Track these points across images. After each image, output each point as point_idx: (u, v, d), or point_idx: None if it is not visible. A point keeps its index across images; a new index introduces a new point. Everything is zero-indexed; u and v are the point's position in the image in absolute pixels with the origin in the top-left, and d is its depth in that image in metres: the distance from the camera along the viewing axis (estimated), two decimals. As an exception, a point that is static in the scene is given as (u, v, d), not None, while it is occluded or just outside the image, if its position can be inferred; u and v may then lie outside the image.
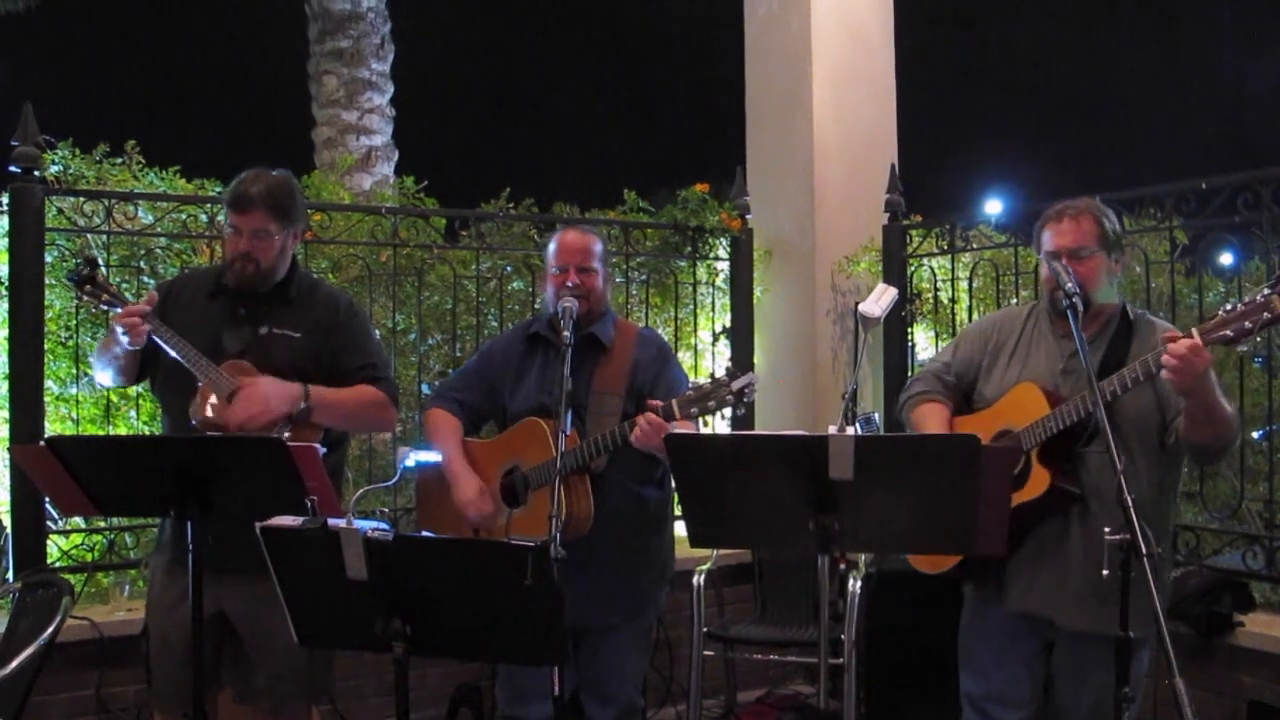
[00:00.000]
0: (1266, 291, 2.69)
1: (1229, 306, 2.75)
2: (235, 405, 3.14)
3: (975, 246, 5.47)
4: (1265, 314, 2.68)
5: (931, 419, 3.33)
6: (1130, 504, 2.58)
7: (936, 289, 5.62)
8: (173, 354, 3.16)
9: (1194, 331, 2.76)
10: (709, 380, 3.12)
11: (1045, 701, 3.26)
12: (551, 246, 3.54)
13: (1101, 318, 3.19)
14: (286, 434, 3.21)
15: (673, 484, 3.52)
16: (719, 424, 5.66)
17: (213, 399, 3.18)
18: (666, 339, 5.58)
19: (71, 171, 4.44)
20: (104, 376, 3.43)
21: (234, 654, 3.29)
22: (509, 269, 5.33)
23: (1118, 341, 3.15)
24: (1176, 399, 2.99)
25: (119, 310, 3.15)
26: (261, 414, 3.14)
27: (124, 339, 3.12)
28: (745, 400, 3.07)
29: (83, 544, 4.35)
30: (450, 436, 3.56)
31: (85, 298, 3.33)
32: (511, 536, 3.23)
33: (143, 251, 4.59)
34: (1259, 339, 2.79)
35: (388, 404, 3.43)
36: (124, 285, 4.41)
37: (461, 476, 3.48)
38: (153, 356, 3.27)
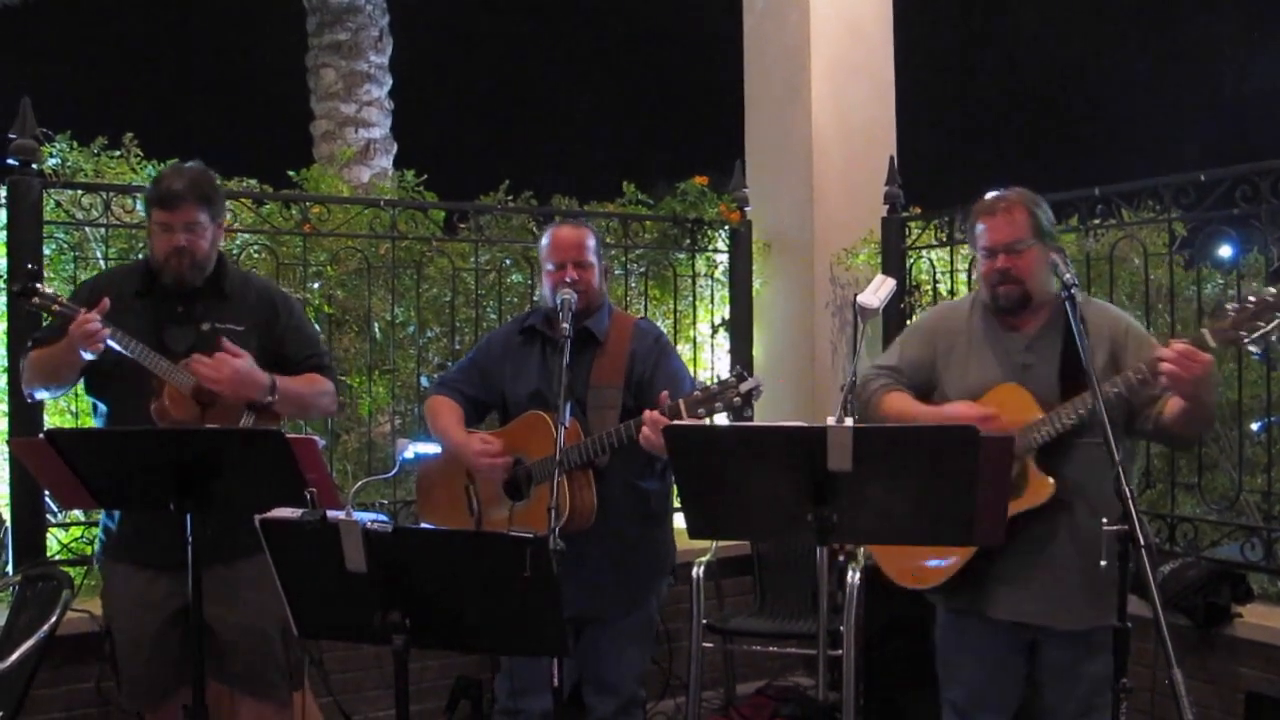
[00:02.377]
0: (1275, 290, 2.67)
1: (1235, 305, 2.71)
2: (208, 359, 3.17)
3: (974, 238, 5.47)
4: (1278, 312, 2.66)
5: (905, 401, 3.28)
6: (1130, 495, 2.58)
7: (935, 281, 5.62)
8: (131, 356, 3.12)
9: (1205, 333, 2.73)
10: (717, 382, 3.13)
11: (1028, 701, 3.21)
12: (545, 242, 3.54)
13: (1046, 311, 3.15)
14: (250, 423, 3.27)
15: (672, 476, 3.53)
16: (718, 415, 5.66)
17: (167, 400, 3.18)
18: (666, 331, 5.60)
19: (69, 164, 4.45)
20: (43, 392, 3.34)
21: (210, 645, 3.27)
22: (508, 261, 5.33)
23: (1071, 338, 3.04)
24: (1150, 388, 2.97)
25: (74, 319, 3.06)
26: (226, 381, 3.18)
27: (83, 348, 3.06)
28: (753, 402, 3.08)
29: (82, 537, 4.35)
30: (450, 418, 3.57)
31: (35, 310, 3.22)
32: (512, 529, 3.24)
33: (141, 244, 4.58)
34: (1274, 339, 2.76)
35: (334, 391, 3.54)
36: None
37: (461, 439, 3.48)
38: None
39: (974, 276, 5.27)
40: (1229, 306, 2.76)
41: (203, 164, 3.42)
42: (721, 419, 5.60)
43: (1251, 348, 2.78)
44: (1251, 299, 2.72)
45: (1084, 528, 3.01)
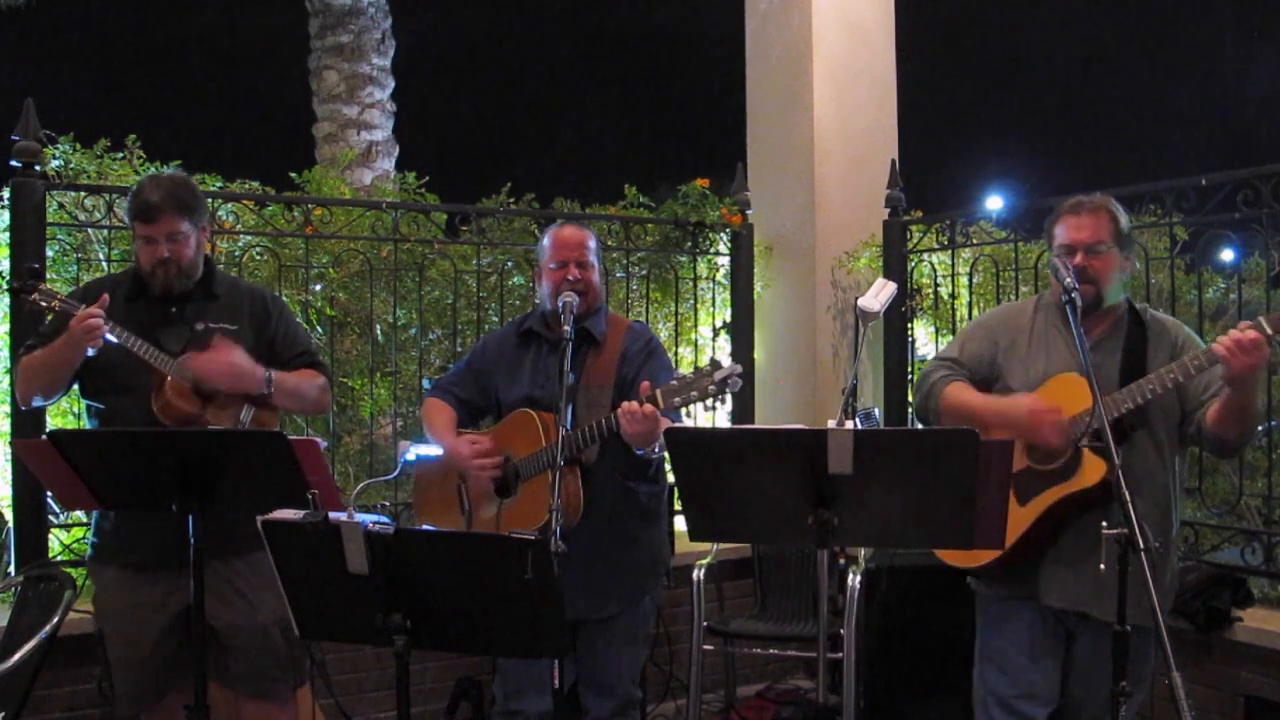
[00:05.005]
0: None
1: None
2: (205, 352, 3.20)
3: (976, 242, 5.48)
4: None
5: (965, 392, 3.27)
6: (1129, 500, 2.58)
7: (937, 284, 5.62)
8: (131, 350, 3.14)
9: (1263, 320, 2.76)
10: (693, 370, 3.11)
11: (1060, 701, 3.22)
12: (546, 241, 3.55)
13: (1112, 315, 3.19)
14: (250, 418, 3.30)
15: (668, 477, 3.53)
16: (720, 418, 5.68)
17: (170, 394, 3.20)
18: (667, 334, 5.61)
19: (72, 166, 4.45)
20: (38, 399, 3.34)
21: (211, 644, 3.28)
22: (510, 264, 5.34)
23: (1133, 340, 3.13)
24: (1198, 392, 3.00)
25: (74, 317, 3.07)
26: (224, 373, 3.21)
27: (85, 343, 3.07)
28: (728, 391, 3.07)
29: (84, 538, 4.35)
30: (443, 420, 3.59)
31: (38, 306, 3.21)
32: (512, 531, 3.24)
33: (144, 246, 4.59)
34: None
35: (328, 387, 3.59)
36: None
37: (452, 441, 3.50)
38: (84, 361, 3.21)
39: (976, 280, 5.29)
40: None
41: (182, 170, 3.44)
42: (722, 416, 5.63)
43: None
44: None
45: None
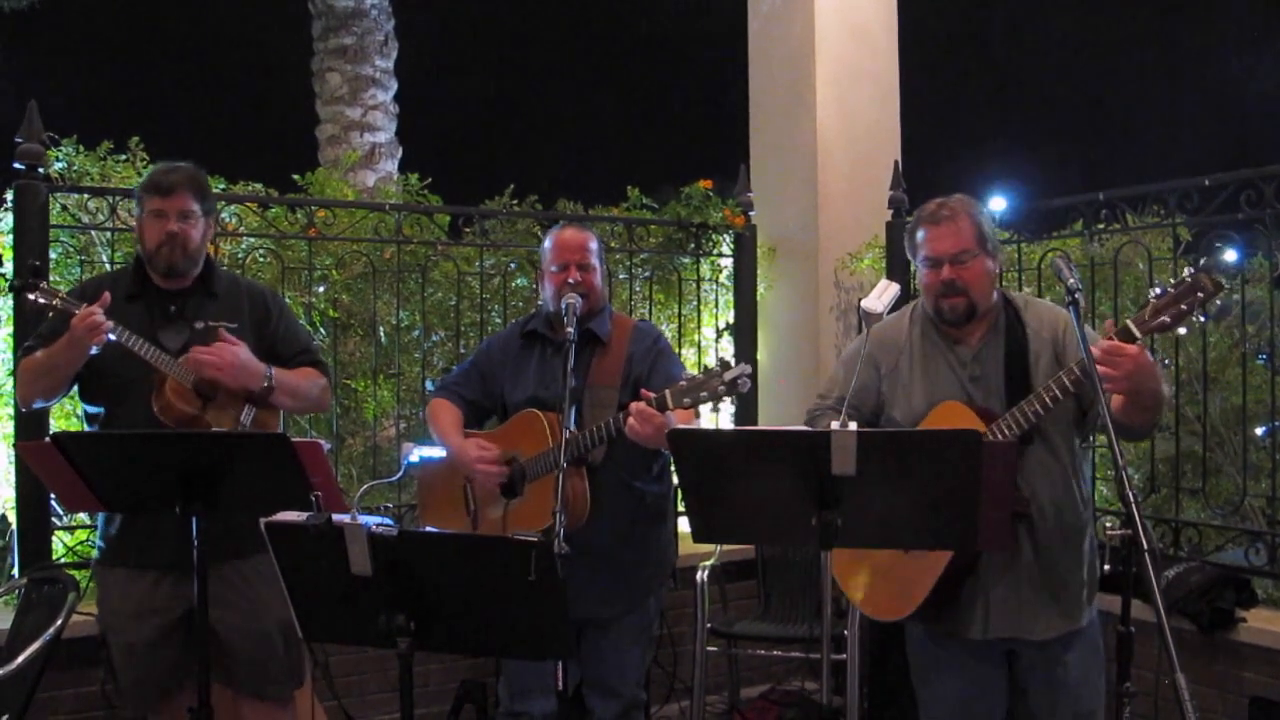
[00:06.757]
0: (1191, 271, 2.61)
1: (1158, 292, 2.65)
2: (209, 347, 3.20)
3: (978, 243, 5.46)
4: (1198, 293, 2.59)
5: None
6: (1133, 500, 2.57)
7: (940, 286, 5.61)
8: (132, 350, 3.14)
9: (1130, 324, 2.68)
10: (702, 371, 3.10)
11: (1014, 708, 3.14)
12: (548, 244, 3.56)
13: (988, 319, 3.08)
14: (250, 419, 3.30)
15: (674, 478, 3.53)
16: (723, 419, 5.67)
17: (170, 394, 3.20)
18: (670, 336, 5.61)
19: (75, 168, 4.46)
20: (39, 401, 3.33)
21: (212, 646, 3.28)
22: (513, 265, 5.34)
23: (1014, 342, 3.04)
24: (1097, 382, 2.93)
25: (74, 316, 3.06)
26: (227, 368, 3.20)
27: (88, 342, 3.06)
28: (738, 390, 3.06)
29: (88, 540, 4.35)
30: (449, 420, 3.60)
31: (39, 304, 3.18)
32: (515, 531, 3.24)
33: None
34: (1196, 320, 2.70)
35: (329, 388, 3.60)
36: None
37: (459, 442, 3.50)
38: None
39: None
40: (1153, 293, 2.67)
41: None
42: (725, 417, 5.63)
43: (1180, 330, 2.73)
44: (1171, 283, 2.65)
45: (1043, 534, 2.97)
